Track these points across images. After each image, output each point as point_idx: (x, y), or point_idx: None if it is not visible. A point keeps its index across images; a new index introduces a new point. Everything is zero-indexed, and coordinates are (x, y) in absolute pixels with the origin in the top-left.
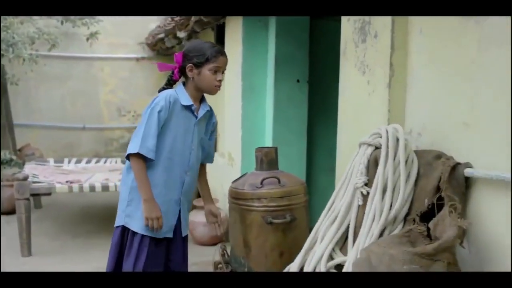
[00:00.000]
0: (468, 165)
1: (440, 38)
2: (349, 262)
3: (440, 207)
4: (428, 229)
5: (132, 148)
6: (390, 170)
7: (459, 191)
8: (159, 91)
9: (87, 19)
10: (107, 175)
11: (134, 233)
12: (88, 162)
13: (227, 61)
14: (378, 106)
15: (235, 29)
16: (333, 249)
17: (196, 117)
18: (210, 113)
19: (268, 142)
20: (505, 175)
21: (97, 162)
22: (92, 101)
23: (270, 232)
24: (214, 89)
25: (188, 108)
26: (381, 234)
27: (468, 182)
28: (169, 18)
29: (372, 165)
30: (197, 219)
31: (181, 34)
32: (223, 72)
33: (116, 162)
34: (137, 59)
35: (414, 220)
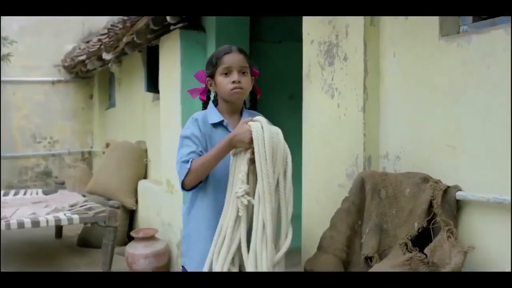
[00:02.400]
0: (458, 188)
1: (417, 61)
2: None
3: (428, 230)
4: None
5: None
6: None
7: (451, 214)
8: None
9: None
10: (32, 208)
11: None
12: (5, 194)
13: (240, 58)
14: (351, 129)
15: (171, 52)
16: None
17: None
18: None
19: None
20: (503, 197)
21: (15, 194)
22: (3, 127)
23: None
24: (232, 94)
25: (219, 125)
26: None
27: (458, 205)
28: (95, 39)
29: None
30: (137, 251)
31: (107, 56)
32: (243, 73)
33: (37, 193)
34: (53, 83)
35: (406, 245)
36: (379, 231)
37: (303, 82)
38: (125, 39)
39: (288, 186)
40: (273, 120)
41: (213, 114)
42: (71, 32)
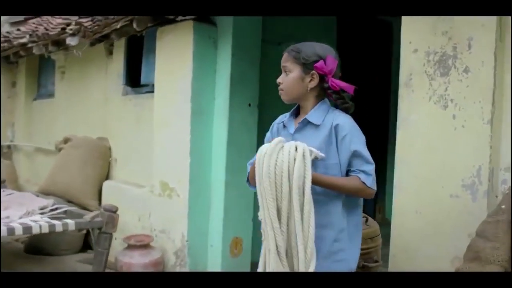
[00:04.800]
0: None
1: None
2: None
3: None
4: None
5: None
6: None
7: None
8: None
9: None
10: (21, 208)
11: None
12: None
13: (283, 57)
14: (471, 141)
15: (180, 44)
16: None
17: (292, 134)
18: (316, 124)
19: (218, 170)
20: None
21: None
22: None
23: None
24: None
25: (284, 125)
26: None
27: None
28: (55, 21)
29: None
30: (134, 260)
31: (73, 41)
32: (286, 72)
33: None
34: None
35: None
36: None
37: (399, 90)
38: (119, 25)
39: (306, 218)
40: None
41: (287, 115)
42: None
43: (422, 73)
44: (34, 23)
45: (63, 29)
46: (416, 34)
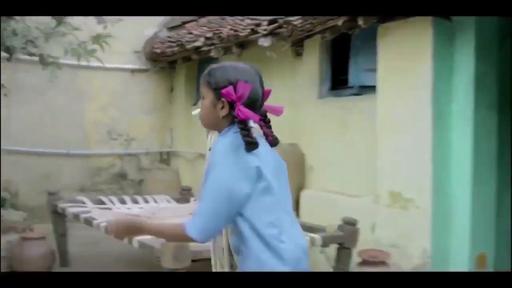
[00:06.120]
0: None
1: None
2: None
3: None
4: None
5: None
6: None
7: None
8: None
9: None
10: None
11: None
12: (122, 202)
13: (201, 81)
14: None
15: (413, 42)
16: None
17: None
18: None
19: (462, 180)
20: None
21: (134, 201)
22: (76, 120)
23: None
24: None
25: None
26: None
27: None
28: (244, 22)
29: None
30: None
31: (266, 42)
32: (202, 98)
33: (169, 201)
34: (132, 71)
35: None
36: None
37: None
38: (340, 22)
39: None
40: None
41: None
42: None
43: None
44: (205, 26)
45: (253, 29)
46: None
